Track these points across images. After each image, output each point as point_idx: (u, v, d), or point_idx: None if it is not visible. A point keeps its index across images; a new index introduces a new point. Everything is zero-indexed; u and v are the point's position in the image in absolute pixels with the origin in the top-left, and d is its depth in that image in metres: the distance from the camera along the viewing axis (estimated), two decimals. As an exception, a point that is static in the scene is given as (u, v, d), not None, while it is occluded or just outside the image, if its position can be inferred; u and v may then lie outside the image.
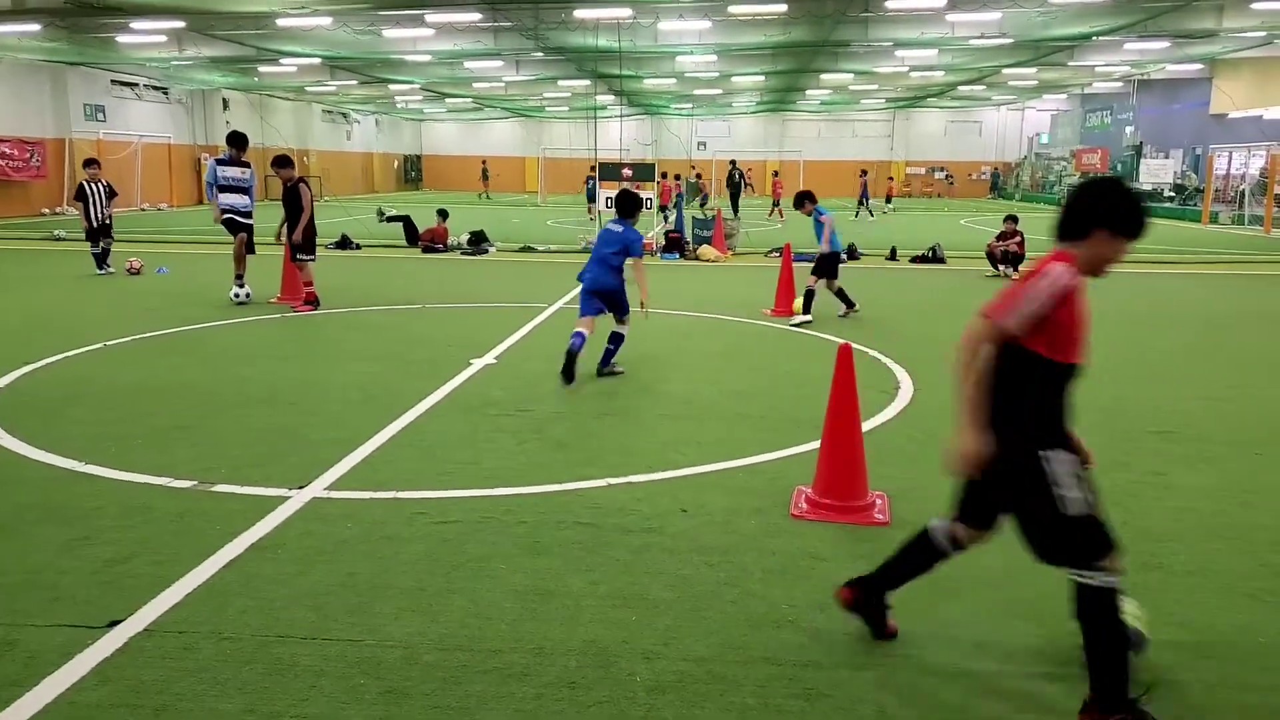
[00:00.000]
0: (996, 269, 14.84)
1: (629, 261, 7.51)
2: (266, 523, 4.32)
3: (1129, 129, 38.53)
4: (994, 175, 54.60)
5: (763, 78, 35.40)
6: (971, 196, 53.32)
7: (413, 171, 58.34)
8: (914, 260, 17.33)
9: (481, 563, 3.95)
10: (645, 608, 3.57)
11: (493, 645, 3.27)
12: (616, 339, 7.67)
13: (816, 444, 5.35)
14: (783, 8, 21.17)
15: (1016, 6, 21.23)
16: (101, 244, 13.78)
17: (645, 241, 17.73)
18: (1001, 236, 14.77)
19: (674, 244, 18.12)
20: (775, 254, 17.68)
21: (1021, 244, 14.61)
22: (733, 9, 21.34)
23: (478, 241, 18.49)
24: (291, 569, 3.86)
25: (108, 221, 13.91)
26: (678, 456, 5.43)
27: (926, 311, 11.38)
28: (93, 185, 13.78)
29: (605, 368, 7.61)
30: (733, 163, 32.21)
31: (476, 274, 15.03)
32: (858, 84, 38.48)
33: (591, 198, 32.07)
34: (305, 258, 10.67)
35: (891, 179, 41.03)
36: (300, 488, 4.78)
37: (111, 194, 14.09)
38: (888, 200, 38.08)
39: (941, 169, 55.83)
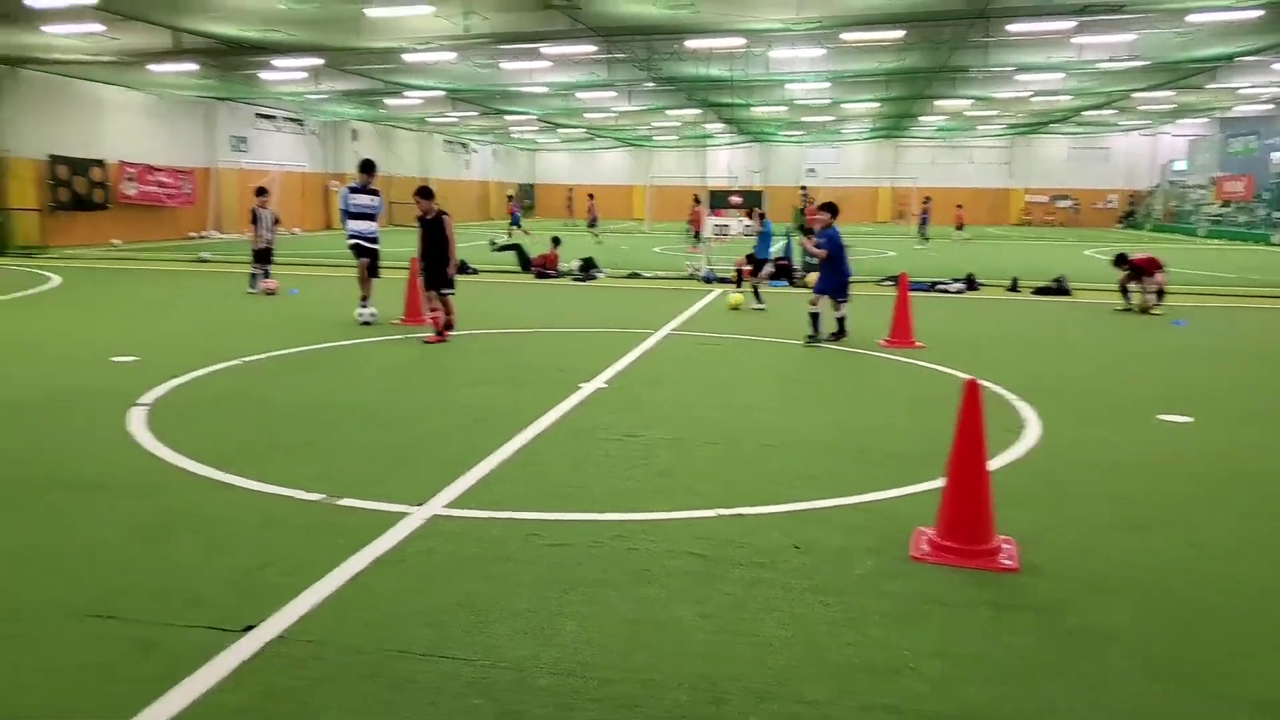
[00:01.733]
0: (1127, 300, 14.13)
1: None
2: (389, 538, 4.46)
3: (1277, 154, 36.22)
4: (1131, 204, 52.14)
5: (875, 104, 34.94)
6: (1097, 226, 51.15)
7: (526, 199, 59.84)
8: (1037, 292, 16.70)
9: (594, 588, 3.97)
10: (758, 645, 3.51)
11: (604, 674, 3.28)
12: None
13: (934, 483, 5.22)
14: (899, 34, 20.89)
15: (1152, 28, 20.35)
16: (263, 266, 14.91)
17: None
18: (1131, 276, 13.95)
19: (783, 271, 17.99)
20: (888, 282, 17.35)
21: (1152, 270, 13.77)
22: (846, 36, 21.18)
23: (588, 268, 18.79)
24: (413, 584, 3.97)
25: (271, 245, 15.08)
26: (787, 490, 5.35)
27: (1052, 345, 10.93)
28: (263, 211, 15.00)
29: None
30: (803, 188, 31.63)
31: (586, 299, 15.26)
32: (975, 110, 37.54)
33: (516, 222, 33.39)
34: (449, 291, 10.50)
35: (960, 206, 39.32)
36: (420, 504, 4.93)
37: (275, 221, 15.38)
38: (958, 228, 36.73)
39: (1065, 197, 53.79)
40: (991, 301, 15.83)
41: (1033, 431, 6.75)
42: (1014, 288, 17.18)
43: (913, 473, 5.66)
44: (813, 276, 10.67)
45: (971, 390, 4.37)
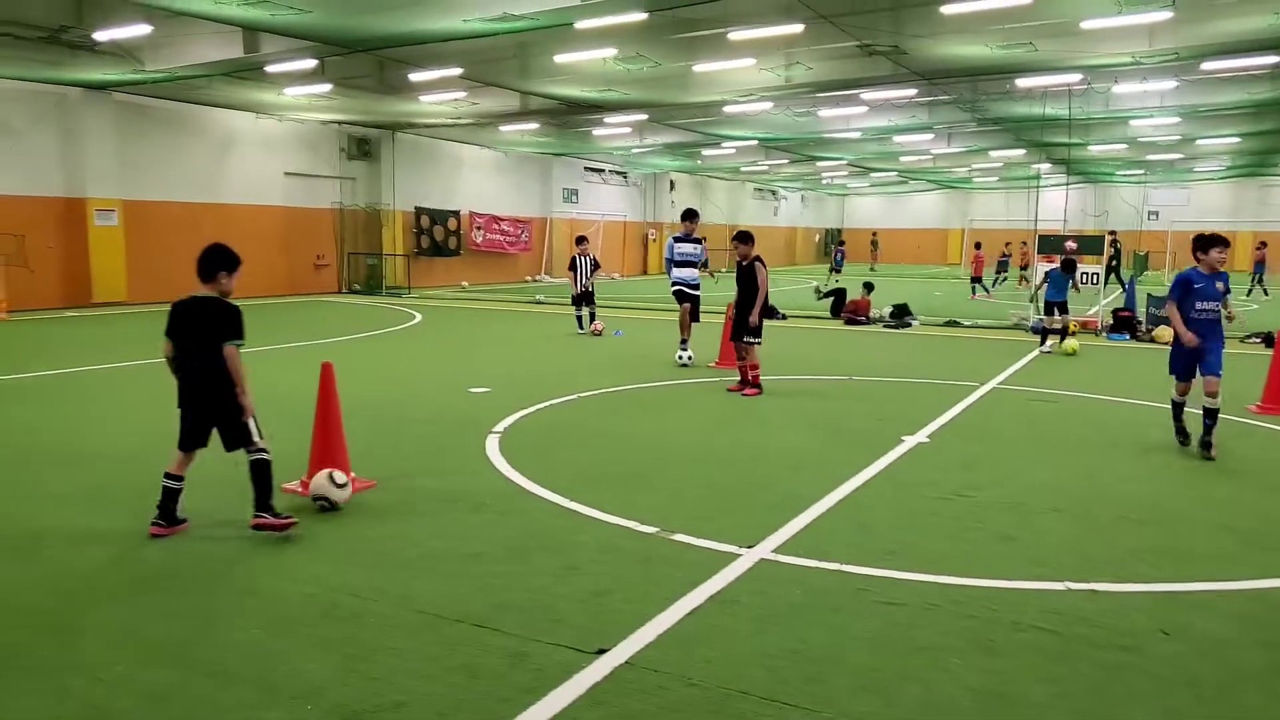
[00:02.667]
0: None
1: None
2: (721, 577, 4.61)
3: None
4: None
5: (1237, 139, 30.86)
6: None
7: (833, 245, 59.53)
8: None
9: (933, 652, 3.83)
10: (1126, 737, 3.20)
11: (952, 743, 3.15)
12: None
13: (1344, 576, 4.50)
14: (1274, 60, 18.35)
15: None
16: (585, 309, 15.95)
17: (1089, 319, 16.34)
18: None
19: (1124, 323, 16.37)
20: (1255, 339, 15.20)
21: None
22: (1207, 66, 18.96)
23: (900, 314, 18.27)
24: (747, 626, 4.06)
25: (590, 289, 16.13)
26: (1147, 569, 4.83)
27: None
28: (582, 259, 16.14)
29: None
30: (1111, 233, 27.50)
31: (900, 347, 14.82)
32: (1374, 139, 31.91)
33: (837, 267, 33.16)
34: (753, 340, 10.07)
35: None
36: (749, 547, 5.04)
37: (595, 266, 16.41)
38: None
39: None
40: None
41: None
42: None
43: (1309, 563, 4.89)
44: (1163, 332, 8.35)
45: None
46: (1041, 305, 15.23)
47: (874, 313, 18.61)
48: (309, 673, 3.62)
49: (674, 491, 6.21)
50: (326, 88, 19.38)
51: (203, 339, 5.05)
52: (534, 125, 25.25)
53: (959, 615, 4.21)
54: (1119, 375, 11.95)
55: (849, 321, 18.45)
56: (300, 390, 8.40)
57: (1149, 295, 17.56)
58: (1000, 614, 4.23)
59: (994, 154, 35.41)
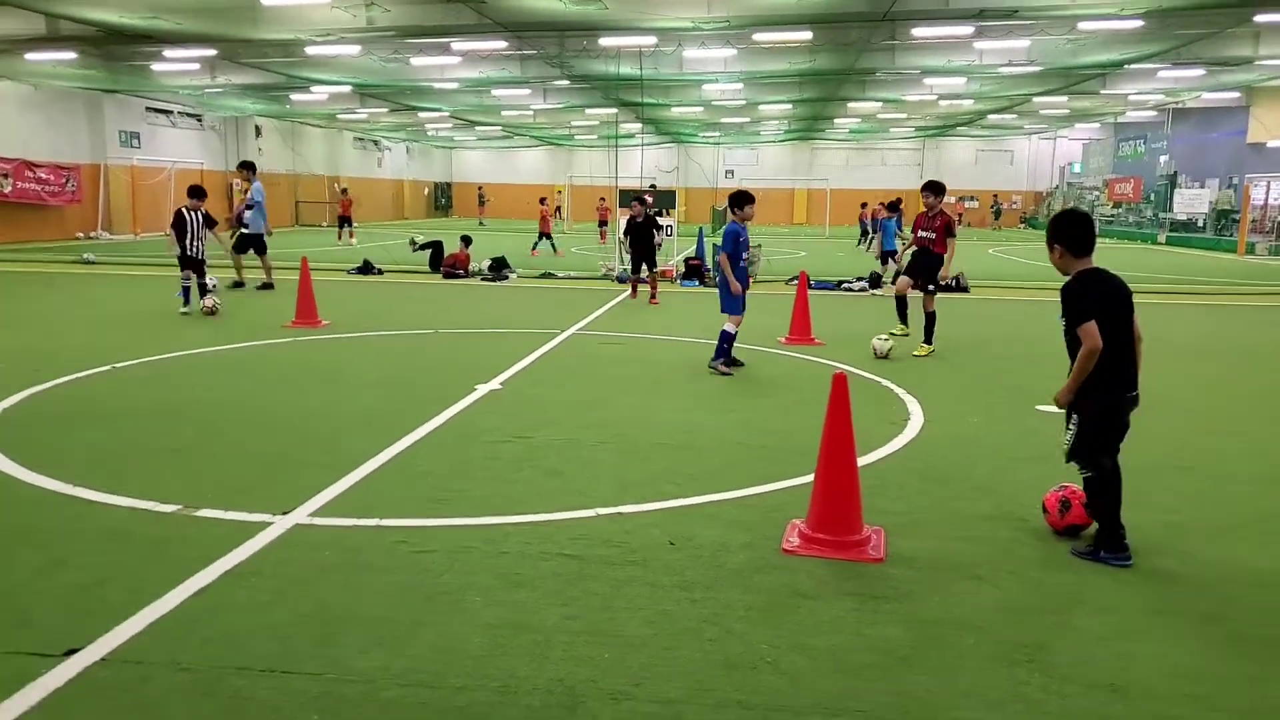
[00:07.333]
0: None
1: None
2: (245, 549, 4.24)
3: (1163, 158, 38.01)
4: (995, 206, 53.60)
5: (790, 106, 35.38)
6: (1003, 226, 52.82)
7: (443, 199, 58.94)
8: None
9: (456, 594, 3.83)
10: (619, 645, 3.43)
11: (456, 682, 3.15)
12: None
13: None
14: (807, 35, 21.16)
15: (1044, 33, 21.05)
16: (190, 277, 12.54)
17: (666, 268, 17.64)
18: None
19: (694, 271, 18.05)
20: (794, 282, 17.56)
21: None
22: (757, 36, 21.36)
23: (499, 268, 18.52)
24: (264, 597, 3.77)
25: (200, 256, 12.76)
26: (672, 487, 5.29)
27: (945, 341, 11.14)
28: (193, 214, 12.82)
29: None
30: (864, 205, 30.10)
31: (495, 300, 15.03)
32: (886, 112, 38.34)
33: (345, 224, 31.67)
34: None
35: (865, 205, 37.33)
36: (284, 513, 4.70)
37: (210, 223, 13.08)
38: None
39: (973, 198, 55.43)
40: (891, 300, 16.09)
41: (915, 423, 6.85)
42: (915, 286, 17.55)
43: (801, 465, 5.65)
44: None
45: (839, 383, 4.36)
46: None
47: (473, 266, 18.67)
48: None
49: (214, 464, 5.64)
50: None
51: None
52: (69, 54, 21.58)
53: (492, 554, 4.27)
54: (685, 318, 13.12)
55: (447, 275, 18.33)
56: None
57: (714, 246, 19.54)
58: (533, 546, 4.36)
59: (589, 112, 37.10)
